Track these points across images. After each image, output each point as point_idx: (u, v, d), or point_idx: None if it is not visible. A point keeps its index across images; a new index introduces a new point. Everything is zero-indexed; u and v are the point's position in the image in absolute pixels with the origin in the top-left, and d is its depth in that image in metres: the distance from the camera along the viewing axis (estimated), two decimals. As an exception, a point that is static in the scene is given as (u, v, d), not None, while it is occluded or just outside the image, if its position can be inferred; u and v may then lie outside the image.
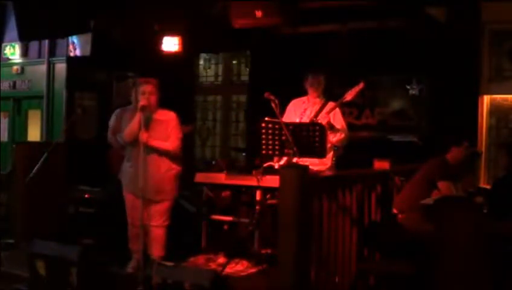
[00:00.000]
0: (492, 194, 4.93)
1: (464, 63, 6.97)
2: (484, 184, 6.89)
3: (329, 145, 5.43)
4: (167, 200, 5.38)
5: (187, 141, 9.60)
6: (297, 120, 5.60)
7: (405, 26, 7.21)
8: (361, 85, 5.44)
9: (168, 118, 5.28)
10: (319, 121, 5.44)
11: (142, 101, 5.12)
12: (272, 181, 5.32)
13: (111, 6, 6.81)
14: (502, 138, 7.09)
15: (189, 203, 6.93)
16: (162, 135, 5.21)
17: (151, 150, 5.15)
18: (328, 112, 5.49)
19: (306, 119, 5.62)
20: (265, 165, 5.76)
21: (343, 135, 5.63)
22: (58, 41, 8.08)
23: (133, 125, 5.11)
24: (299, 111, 5.80)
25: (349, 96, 5.46)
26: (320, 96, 5.79)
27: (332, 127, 5.45)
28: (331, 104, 5.65)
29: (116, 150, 6.01)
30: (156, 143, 5.17)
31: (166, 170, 5.27)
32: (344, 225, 4.67)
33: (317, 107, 5.71)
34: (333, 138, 5.55)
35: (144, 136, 4.97)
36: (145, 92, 5.18)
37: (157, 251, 5.33)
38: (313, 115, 5.64)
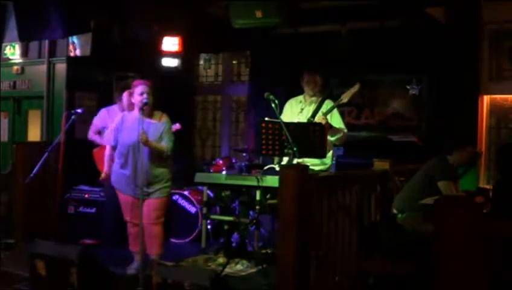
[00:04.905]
0: (493, 194, 4.93)
1: (464, 63, 6.96)
2: (484, 184, 6.88)
3: (328, 143, 5.44)
4: (161, 195, 5.37)
5: (187, 141, 9.61)
6: (296, 120, 5.60)
7: (405, 26, 7.21)
8: (357, 87, 5.46)
9: (161, 120, 5.33)
10: (316, 121, 5.46)
11: (143, 101, 5.14)
12: (272, 181, 5.34)
13: (111, 6, 6.81)
14: (502, 138, 7.08)
15: (189, 203, 6.94)
16: (155, 135, 5.23)
17: (143, 148, 5.18)
18: (325, 114, 5.50)
19: (303, 119, 5.62)
20: (265, 168, 5.79)
21: (341, 134, 5.65)
22: (58, 41, 8.07)
23: (134, 127, 5.13)
24: (296, 111, 5.80)
25: (345, 98, 5.49)
26: (317, 95, 5.79)
27: (330, 127, 5.46)
28: (328, 104, 5.66)
29: (101, 149, 6.09)
30: (153, 143, 5.19)
31: (157, 163, 5.29)
32: (344, 225, 4.66)
33: (314, 106, 5.72)
34: (332, 137, 5.56)
35: (143, 137, 4.99)
36: (144, 92, 5.20)
37: (154, 248, 5.33)
38: (310, 114, 5.65)
